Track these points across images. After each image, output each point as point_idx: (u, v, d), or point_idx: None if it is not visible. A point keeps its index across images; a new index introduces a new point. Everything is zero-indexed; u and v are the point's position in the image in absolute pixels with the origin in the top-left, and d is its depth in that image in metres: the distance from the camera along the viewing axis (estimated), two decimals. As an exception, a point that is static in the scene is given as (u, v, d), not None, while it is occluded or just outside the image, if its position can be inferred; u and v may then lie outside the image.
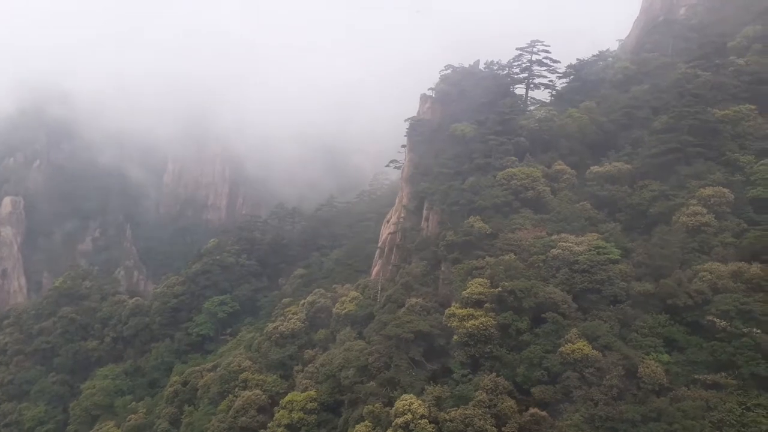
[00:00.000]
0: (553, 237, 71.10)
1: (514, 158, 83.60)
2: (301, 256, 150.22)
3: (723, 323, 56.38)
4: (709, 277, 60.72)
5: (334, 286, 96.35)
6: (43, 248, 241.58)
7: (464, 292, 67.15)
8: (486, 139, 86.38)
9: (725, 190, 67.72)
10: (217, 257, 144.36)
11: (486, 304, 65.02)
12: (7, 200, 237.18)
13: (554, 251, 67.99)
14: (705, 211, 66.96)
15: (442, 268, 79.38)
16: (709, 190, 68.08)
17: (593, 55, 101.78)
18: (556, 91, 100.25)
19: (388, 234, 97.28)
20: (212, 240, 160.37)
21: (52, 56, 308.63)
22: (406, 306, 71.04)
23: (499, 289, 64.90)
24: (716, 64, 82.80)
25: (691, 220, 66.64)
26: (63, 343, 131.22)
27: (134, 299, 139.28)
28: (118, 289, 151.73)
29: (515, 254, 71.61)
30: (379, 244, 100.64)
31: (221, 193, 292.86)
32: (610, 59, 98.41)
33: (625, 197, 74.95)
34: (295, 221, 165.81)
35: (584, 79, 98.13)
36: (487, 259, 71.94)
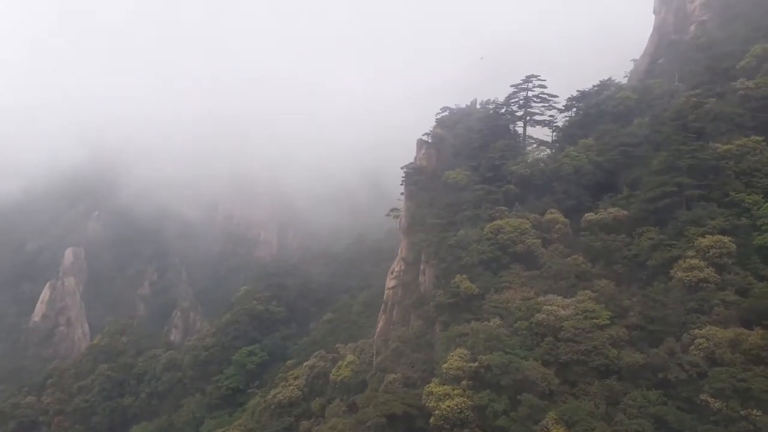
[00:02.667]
0: (540, 299, 64.35)
1: (503, 208, 77.07)
2: (331, 299, 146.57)
3: (718, 404, 48.63)
4: (706, 345, 53.07)
5: (337, 345, 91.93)
6: (105, 294, 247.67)
7: (444, 365, 61.40)
8: (475, 188, 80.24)
9: (726, 239, 59.41)
10: (246, 306, 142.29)
11: (464, 381, 59.00)
12: (69, 251, 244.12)
13: (539, 316, 61.27)
14: (704, 264, 58.93)
15: (436, 331, 73.67)
16: (708, 240, 59.90)
17: (594, 86, 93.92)
18: (557, 126, 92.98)
19: (390, 288, 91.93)
20: (243, 287, 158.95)
21: (106, 107, 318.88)
22: (386, 382, 65.55)
23: (477, 363, 58.88)
24: (718, 92, 74.05)
25: (688, 276, 58.72)
26: (101, 401, 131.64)
27: (168, 353, 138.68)
28: (156, 343, 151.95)
29: (501, 318, 65.27)
30: (384, 298, 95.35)
31: (271, 229, 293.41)
32: (613, 88, 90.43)
33: (622, 247, 67.22)
34: (326, 262, 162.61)
35: (586, 111, 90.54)
36: (473, 324, 65.74)
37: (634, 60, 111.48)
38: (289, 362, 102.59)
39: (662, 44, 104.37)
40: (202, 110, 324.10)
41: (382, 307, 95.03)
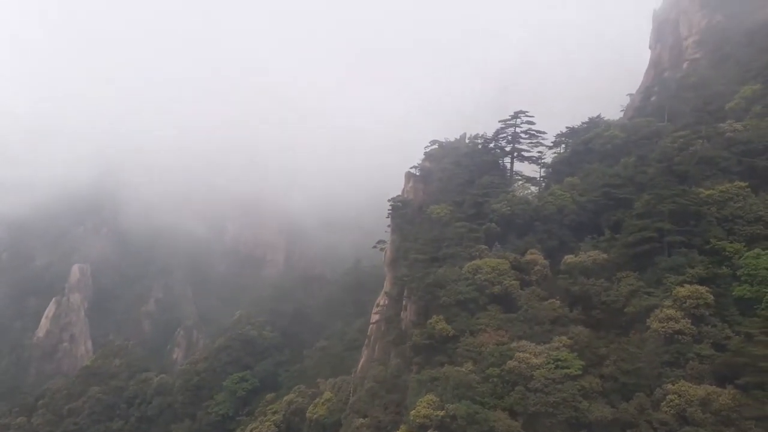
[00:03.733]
0: (513, 344, 62.11)
1: (484, 247, 75.02)
2: (326, 326, 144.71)
3: (686, 470, 46.15)
4: (677, 402, 50.67)
5: (318, 380, 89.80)
6: (110, 311, 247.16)
7: (412, 412, 59.32)
8: (456, 225, 78.44)
9: (704, 289, 56.90)
10: (240, 331, 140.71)
11: (430, 431, 56.88)
12: (75, 268, 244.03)
13: (511, 363, 59.06)
14: (680, 315, 56.39)
15: (413, 372, 71.52)
16: (686, 290, 57.40)
17: (584, 122, 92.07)
18: (545, 163, 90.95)
19: (374, 323, 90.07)
20: (237, 312, 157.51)
21: (115, 125, 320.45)
22: (353, 427, 63.48)
23: (443, 412, 56.77)
24: (705, 134, 71.91)
25: (664, 327, 56.29)
26: (90, 425, 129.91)
27: (159, 377, 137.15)
28: (154, 363, 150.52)
29: (474, 362, 63.17)
30: (368, 332, 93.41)
31: (278, 249, 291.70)
32: (602, 126, 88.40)
33: (601, 292, 64.82)
34: (322, 287, 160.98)
35: (574, 149, 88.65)
36: (445, 368, 63.65)
37: (630, 94, 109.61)
38: (268, 396, 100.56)
39: (657, 80, 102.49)
40: (212, 129, 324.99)
41: (366, 341, 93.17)
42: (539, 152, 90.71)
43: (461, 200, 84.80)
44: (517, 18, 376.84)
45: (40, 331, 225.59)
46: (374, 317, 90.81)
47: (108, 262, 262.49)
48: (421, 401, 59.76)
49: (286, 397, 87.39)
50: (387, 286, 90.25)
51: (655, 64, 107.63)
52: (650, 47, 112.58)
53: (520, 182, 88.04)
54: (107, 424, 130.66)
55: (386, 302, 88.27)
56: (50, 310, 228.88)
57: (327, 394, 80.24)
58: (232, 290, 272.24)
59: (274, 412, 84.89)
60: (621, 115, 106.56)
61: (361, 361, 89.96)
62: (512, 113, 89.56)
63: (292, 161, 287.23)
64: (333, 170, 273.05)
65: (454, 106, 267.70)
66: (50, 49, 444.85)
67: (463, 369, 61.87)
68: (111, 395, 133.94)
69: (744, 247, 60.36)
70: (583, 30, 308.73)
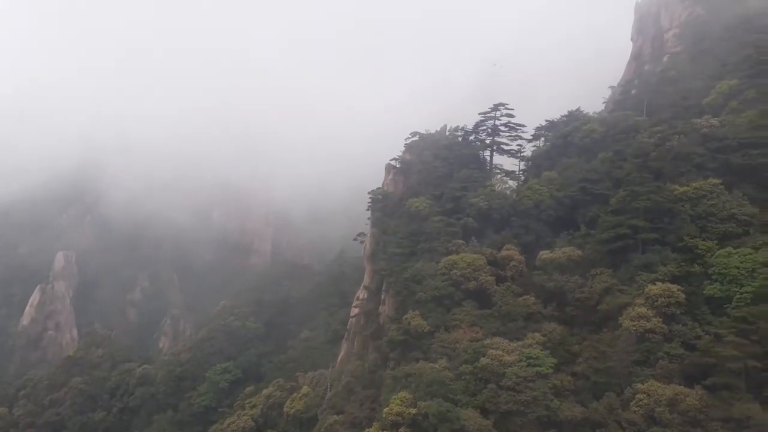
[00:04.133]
0: (487, 341, 62.08)
1: (461, 242, 74.66)
2: (310, 317, 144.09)
3: (652, 468, 46.33)
4: (646, 401, 50.86)
5: (297, 374, 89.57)
6: (95, 300, 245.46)
7: (385, 409, 59.32)
8: (433, 219, 78.12)
9: (675, 288, 56.88)
10: (223, 322, 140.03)
11: (402, 428, 56.87)
12: (60, 255, 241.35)
13: (484, 360, 59.08)
14: (652, 313, 56.47)
15: (389, 367, 71.41)
16: (657, 288, 57.37)
17: (563, 116, 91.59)
18: (524, 156, 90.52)
19: (353, 316, 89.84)
20: (222, 302, 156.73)
21: (101, 111, 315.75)
22: (327, 424, 63.37)
23: (416, 410, 56.77)
24: (681, 129, 71.58)
25: (635, 325, 56.36)
26: (72, 415, 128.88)
27: (142, 368, 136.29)
28: (138, 353, 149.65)
29: (449, 358, 63.25)
30: (347, 326, 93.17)
31: (265, 237, 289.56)
32: (581, 119, 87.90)
33: (575, 289, 64.76)
34: (308, 277, 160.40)
35: (554, 142, 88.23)
36: (420, 364, 63.67)
37: (612, 86, 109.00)
38: (248, 389, 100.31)
39: (637, 73, 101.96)
40: (199, 115, 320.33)
41: (345, 335, 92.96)
42: (519, 145, 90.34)
43: (440, 194, 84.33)
44: (509, 3, 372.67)
45: (25, 319, 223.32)
46: (354, 311, 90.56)
47: (93, 249, 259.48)
48: (394, 398, 59.74)
49: (264, 391, 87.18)
50: (366, 279, 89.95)
51: (636, 57, 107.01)
52: (632, 39, 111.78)
53: (499, 176, 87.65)
54: (89, 415, 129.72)
55: (365, 296, 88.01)
56: (35, 297, 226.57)
57: (305, 389, 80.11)
58: (219, 279, 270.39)
59: (253, 406, 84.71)
60: (603, 107, 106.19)
61: (341, 354, 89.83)
62: (492, 105, 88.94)
63: (280, 149, 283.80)
64: (321, 158, 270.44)
65: (445, 93, 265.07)
66: (33, 30, 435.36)
67: (437, 366, 61.86)
68: (93, 386, 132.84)
69: (716, 245, 60.32)
70: (574, 16, 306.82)
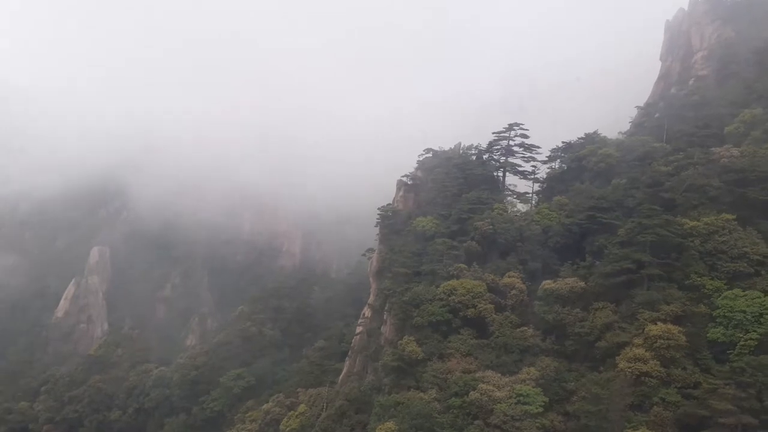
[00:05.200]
0: (479, 374, 59.91)
1: (462, 266, 72.25)
2: (327, 325, 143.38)
3: None
4: (635, 451, 47.91)
5: (298, 390, 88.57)
6: (127, 295, 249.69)
7: (369, 439, 57.88)
8: (436, 241, 76.20)
9: (676, 329, 53.77)
10: (240, 327, 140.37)
11: (382, 462, 55.25)
12: (95, 250, 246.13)
13: (473, 394, 56.97)
14: (650, 355, 53.50)
15: (383, 392, 69.64)
16: (657, 328, 54.31)
17: (579, 138, 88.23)
18: (538, 178, 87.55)
19: (357, 334, 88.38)
20: (240, 307, 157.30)
21: (132, 107, 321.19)
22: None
23: (397, 444, 55.05)
24: (698, 159, 68.01)
25: (631, 367, 53.51)
26: (89, 413, 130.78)
27: (158, 369, 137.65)
28: (149, 356, 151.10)
29: (440, 388, 61.33)
30: (351, 343, 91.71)
31: (295, 240, 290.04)
32: (598, 142, 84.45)
33: (575, 323, 62.04)
34: (326, 285, 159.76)
35: (569, 165, 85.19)
36: (410, 393, 62.05)
37: (639, 107, 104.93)
38: (249, 402, 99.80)
39: (663, 95, 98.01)
40: (234, 116, 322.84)
41: (349, 352, 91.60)
42: (533, 166, 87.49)
43: (448, 214, 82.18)
44: (531, 15, 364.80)
45: (59, 312, 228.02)
46: (358, 328, 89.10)
47: (127, 245, 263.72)
48: (380, 428, 58.18)
49: (264, 406, 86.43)
50: (371, 297, 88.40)
51: (664, 77, 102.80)
52: (660, 59, 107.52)
53: (509, 198, 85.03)
54: (105, 414, 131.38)
55: (369, 314, 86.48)
56: (69, 290, 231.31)
57: (302, 407, 78.94)
58: (249, 280, 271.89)
59: (252, 420, 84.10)
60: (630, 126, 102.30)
61: (343, 372, 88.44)
62: (506, 125, 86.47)
63: (309, 152, 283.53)
64: (350, 162, 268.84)
65: (469, 103, 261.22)
66: (70, 31, 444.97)
67: (427, 396, 60.08)
68: (111, 385, 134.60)
69: (725, 284, 57.12)
70: (604, 26, 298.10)
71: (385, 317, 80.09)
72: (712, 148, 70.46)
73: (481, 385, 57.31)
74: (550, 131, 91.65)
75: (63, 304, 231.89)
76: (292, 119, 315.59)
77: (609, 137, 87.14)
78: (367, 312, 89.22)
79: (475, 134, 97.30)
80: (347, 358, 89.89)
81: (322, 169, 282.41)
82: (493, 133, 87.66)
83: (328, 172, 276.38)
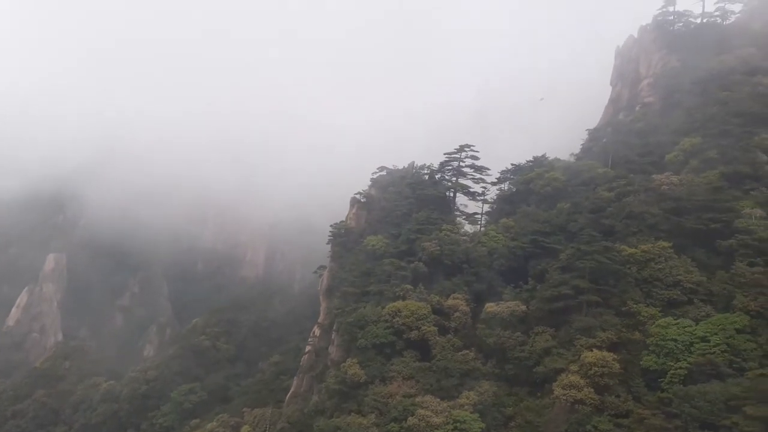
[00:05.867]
0: (419, 398, 59.56)
1: (409, 287, 71.99)
2: (285, 339, 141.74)
3: None
4: (566, 480, 47.96)
5: (243, 409, 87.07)
6: (84, 304, 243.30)
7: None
8: (384, 261, 75.93)
9: (610, 356, 54.09)
10: (194, 341, 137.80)
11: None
12: (50, 257, 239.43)
13: (411, 420, 56.52)
14: (584, 382, 53.66)
15: (326, 416, 68.72)
16: (593, 356, 54.56)
17: (528, 161, 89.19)
18: (487, 200, 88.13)
19: (306, 353, 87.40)
20: (194, 320, 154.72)
21: (93, 112, 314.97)
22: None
23: (334, 470, 54.32)
24: (639, 186, 69.11)
25: (566, 394, 53.72)
26: (33, 429, 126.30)
27: (107, 383, 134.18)
28: (99, 369, 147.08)
29: (380, 413, 60.79)
30: (301, 362, 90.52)
31: (258, 250, 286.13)
32: (546, 166, 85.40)
33: (516, 346, 62.26)
34: (284, 300, 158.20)
35: (517, 188, 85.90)
36: (350, 418, 61.36)
37: (589, 130, 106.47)
38: (193, 421, 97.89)
39: (611, 120, 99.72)
40: (198, 122, 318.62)
41: (298, 371, 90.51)
42: (483, 188, 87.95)
43: (398, 233, 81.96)
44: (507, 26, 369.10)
45: (11, 320, 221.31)
46: (307, 347, 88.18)
47: (84, 253, 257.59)
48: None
49: (208, 425, 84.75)
50: (321, 315, 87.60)
51: (614, 102, 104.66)
52: (611, 83, 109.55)
53: (459, 219, 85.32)
54: (50, 429, 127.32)
55: (318, 333, 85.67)
56: (22, 299, 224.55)
57: (246, 428, 77.60)
58: (210, 289, 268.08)
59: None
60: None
61: (290, 391, 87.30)
62: (457, 147, 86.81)
63: (274, 159, 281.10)
64: (313, 171, 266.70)
65: (438, 115, 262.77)
66: (34, 33, 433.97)
67: (366, 421, 59.51)
68: (57, 399, 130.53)
69: (659, 311, 57.78)
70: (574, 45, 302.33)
71: (333, 337, 79.37)
72: (653, 175, 71.65)
73: (420, 411, 56.91)
74: (522, 147, 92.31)
75: (14, 313, 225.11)
76: (262, 127, 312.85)
77: (563, 159, 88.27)
78: (316, 330, 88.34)
79: (447, 148, 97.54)
80: (295, 377, 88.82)
81: (287, 176, 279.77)
82: (445, 154, 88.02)
83: (294, 179, 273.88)
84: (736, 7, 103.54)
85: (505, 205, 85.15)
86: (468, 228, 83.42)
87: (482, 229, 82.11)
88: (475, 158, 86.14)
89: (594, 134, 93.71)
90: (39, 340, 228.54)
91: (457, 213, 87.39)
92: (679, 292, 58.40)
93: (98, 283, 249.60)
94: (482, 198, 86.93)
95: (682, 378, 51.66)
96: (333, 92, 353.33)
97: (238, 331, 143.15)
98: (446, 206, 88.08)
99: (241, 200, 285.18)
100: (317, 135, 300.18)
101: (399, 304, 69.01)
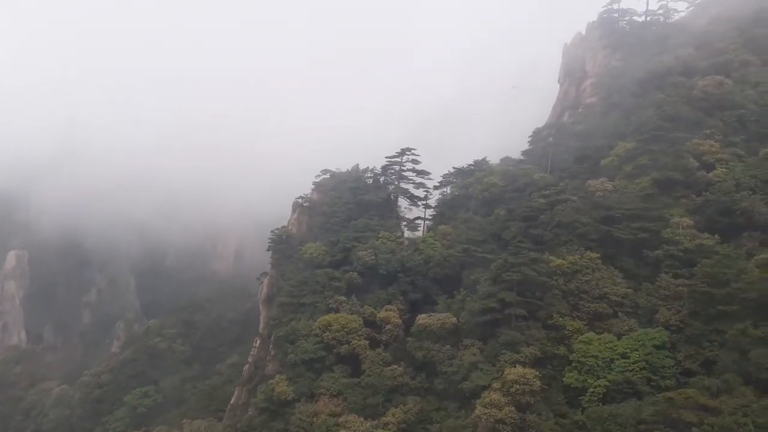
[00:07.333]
0: (343, 417, 57.91)
1: (342, 298, 70.02)
2: (242, 340, 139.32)
3: None
4: (480, 505, 46.58)
5: (183, 421, 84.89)
6: (48, 301, 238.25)
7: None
8: (316, 272, 73.89)
9: (532, 374, 52.47)
10: (149, 343, 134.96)
11: None
12: (12, 254, 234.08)
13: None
14: (506, 401, 52.18)
15: None
16: (515, 373, 52.97)
17: (469, 165, 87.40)
18: (429, 205, 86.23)
19: (248, 362, 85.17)
20: (152, 321, 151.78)
21: (66, 104, 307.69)
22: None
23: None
24: (566, 198, 67.50)
25: (486, 413, 52.24)
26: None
27: (60, 387, 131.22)
28: (51, 374, 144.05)
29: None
30: (243, 371, 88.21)
31: (229, 243, 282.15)
32: (486, 170, 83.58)
33: (445, 360, 60.77)
34: (243, 298, 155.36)
35: (459, 192, 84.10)
36: (277, 436, 59.69)
37: (538, 128, 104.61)
38: (141, 430, 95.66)
39: (557, 122, 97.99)
40: (168, 111, 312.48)
41: (238, 381, 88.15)
42: (426, 191, 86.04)
43: (336, 240, 79.83)
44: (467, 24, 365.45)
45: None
46: (249, 357, 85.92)
47: (48, 250, 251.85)
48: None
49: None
50: (261, 325, 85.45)
51: (561, 101, 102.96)
52: (559, 81, 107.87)
53: (401, 225, 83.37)
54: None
55: (258, 343, 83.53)
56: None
57: (185, 440, 75.66)
58: (181, 284, 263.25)
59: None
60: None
61: (231, 402, 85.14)
62: (399, 150, 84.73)
63: (252, 153, 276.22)
64: (290, 164, 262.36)
65: (415, 109, 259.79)
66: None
67: (288, 443, 57.80)
68: (7, 405, 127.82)
69: (585, 325, 56.46)
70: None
71: (270, 348, 77.43)
72: (589, 181, 70.20)
73: (342, 430, 55.31)
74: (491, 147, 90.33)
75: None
76: (233, 121, 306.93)
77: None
78: (257, 341, 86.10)
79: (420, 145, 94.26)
80: (237, 388, 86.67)
81: (261, 170, 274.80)
82: (386, 157, 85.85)
83: (268, 173, 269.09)
84: (681, 6, 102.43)
85: (448, 210, 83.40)
86: (408, 234, 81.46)
87: (422, 235, 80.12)
88: (416, 162, 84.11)
89: (538, 134, 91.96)
90: (2, 339, 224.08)
91: (401, 218, 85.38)
92: (605, 305, 57.08)
93: (63, 280, 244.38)
94: (424, 203, 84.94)
95: (601, 396, 50.48)
96: (306, 86, 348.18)
97: (193, 332, 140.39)
98: (389, 211, 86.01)
99: (214, 193, 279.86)
100: (291, 128, 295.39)
101: (330, 317, 67.05)
